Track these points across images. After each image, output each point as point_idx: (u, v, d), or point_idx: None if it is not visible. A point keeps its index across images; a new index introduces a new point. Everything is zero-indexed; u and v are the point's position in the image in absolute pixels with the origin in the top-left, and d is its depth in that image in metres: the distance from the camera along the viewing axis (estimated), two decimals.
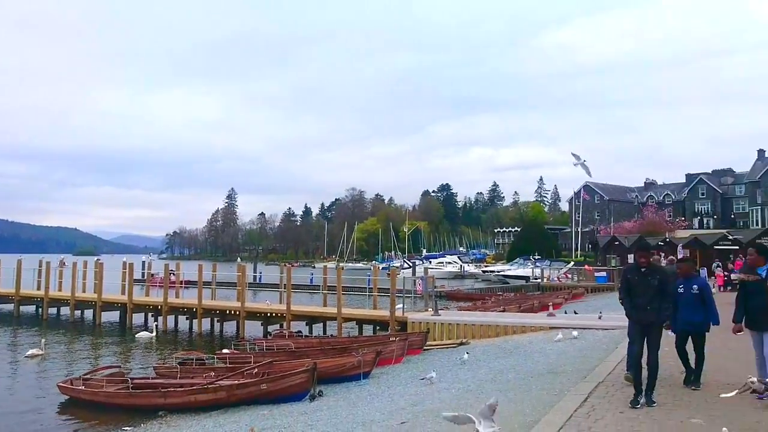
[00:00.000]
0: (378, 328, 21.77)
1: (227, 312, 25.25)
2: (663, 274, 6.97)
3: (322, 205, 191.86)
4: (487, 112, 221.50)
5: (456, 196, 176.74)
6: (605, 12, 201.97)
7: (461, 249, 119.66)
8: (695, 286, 7.54)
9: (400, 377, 13.49)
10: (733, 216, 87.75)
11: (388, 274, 23.76)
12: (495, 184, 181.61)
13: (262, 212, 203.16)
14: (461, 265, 78.13)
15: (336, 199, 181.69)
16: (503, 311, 23.57)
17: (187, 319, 26.05)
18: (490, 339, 17.37)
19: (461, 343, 17.04)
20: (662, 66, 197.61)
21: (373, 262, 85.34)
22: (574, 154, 66.96)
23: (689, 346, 7.76)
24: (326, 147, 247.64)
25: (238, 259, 71.83)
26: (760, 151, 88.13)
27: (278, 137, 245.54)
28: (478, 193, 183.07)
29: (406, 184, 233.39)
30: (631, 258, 30.41)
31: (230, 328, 25.18)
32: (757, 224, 78.05)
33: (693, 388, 7.45)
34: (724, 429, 5.26)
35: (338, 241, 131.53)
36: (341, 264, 76.37)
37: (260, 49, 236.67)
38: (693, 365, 7.67)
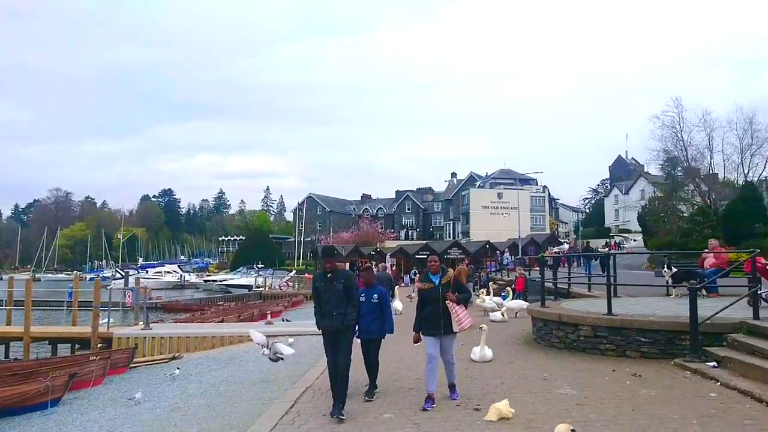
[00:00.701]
0: (77, 347, 19.53)
1: None
2: (348, 278, 7.00)
3: (16, 206, 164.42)
4: (216, 118, 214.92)
5: (179, 202, 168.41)
6: (330, 35, 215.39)
7: (183, 258, 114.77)
8: (375, 295, 7.61)
9: (98, 401, 12.17)
10: (432, 229, 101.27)
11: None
12: (221, 192, 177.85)
13: None
14: (181, 275, 75.15)
15: (35, 200, 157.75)
16: (222, 321, 23.18)
17: None
18: (205, 351, 16.88)
19: (173, 358, 16.24)
20: (378, 91, 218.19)
21: (76, 272, 76.22)
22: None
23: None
24: (26, 140, 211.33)
25: None
26: (453, 174, 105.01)
27: None
28: (203, 200, 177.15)
29: (123, 187, 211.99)
30: (348, 266, 32.62)
31: None
32: (450, 236, 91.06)
33: (376, 390, 7.63)
34: None
35: (36, 248, 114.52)
36: (37, 275, 66.42)
37: None
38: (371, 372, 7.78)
